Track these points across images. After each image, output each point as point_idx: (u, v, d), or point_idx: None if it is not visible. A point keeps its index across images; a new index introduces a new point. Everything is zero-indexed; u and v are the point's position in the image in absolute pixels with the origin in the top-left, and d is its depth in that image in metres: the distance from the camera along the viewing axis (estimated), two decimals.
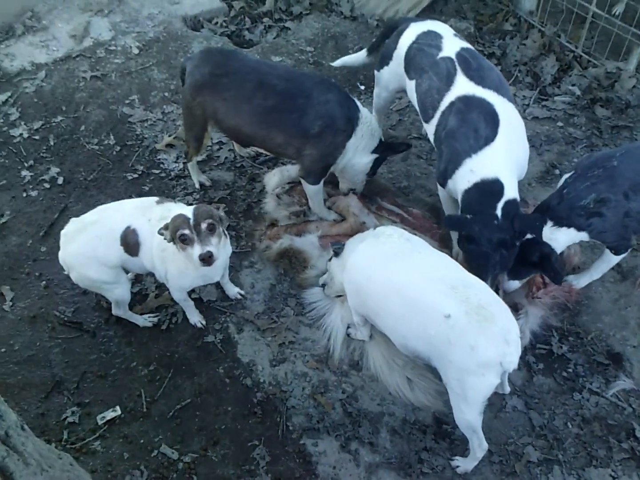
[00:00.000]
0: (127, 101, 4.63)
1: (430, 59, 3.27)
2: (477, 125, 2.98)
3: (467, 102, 3.06)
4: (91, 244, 2.90)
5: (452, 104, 3.10)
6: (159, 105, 4.62)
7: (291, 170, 3.78)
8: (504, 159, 2.96)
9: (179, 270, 2.87)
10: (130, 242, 2.89)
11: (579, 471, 2.80)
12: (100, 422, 2.95)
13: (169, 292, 3.15)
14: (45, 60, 4.92)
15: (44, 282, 3.50)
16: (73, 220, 3.02)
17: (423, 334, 2.55)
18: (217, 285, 3.40)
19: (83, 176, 4.11)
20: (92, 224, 2.95)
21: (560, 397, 3.05)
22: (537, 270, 3.07)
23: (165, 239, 2.68)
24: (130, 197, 3.88)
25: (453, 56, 3.21)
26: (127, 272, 3.12)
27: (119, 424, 2.96)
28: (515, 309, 3.13)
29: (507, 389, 3.00)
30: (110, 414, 2.97)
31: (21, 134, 4.37)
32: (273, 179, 3.81)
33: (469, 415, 2.53)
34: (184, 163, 4.12)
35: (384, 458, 2.84)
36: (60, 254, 2.98)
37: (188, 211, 2.63)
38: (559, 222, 2.96)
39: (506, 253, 2.89)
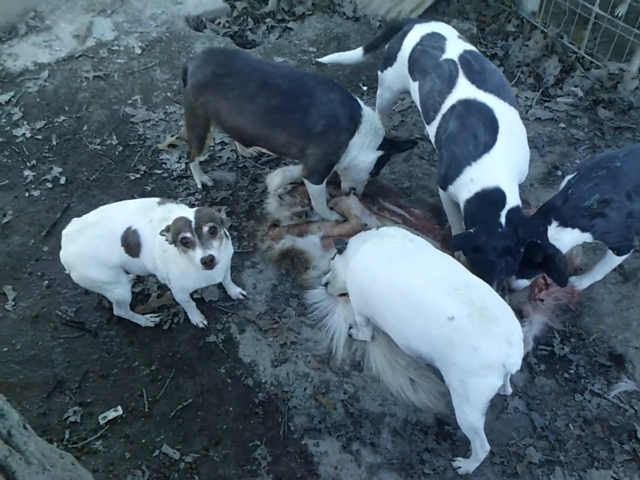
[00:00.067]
0: (129, 101, 4.64)
1: (433, 60, 3.27)
2: (477, 130, 2.97)
3: (467, 106, 3.05)
4: (92, 244, 2.90)
5: (453, 107, 3.10)
6: (162, 105, 4.63)
7: (293, 170, 3.77)
8: (504, 166, 2.96)
9: (180, 271, 2.87)
10: (131, 242, 2.89)
11: (580, 472, 2.80)
12: (102, 422, 2.95)
13: (171, 292, 3.15)
14: (48, 60, 4.92)
15: (46, 282, 3.51)
16: (75, 220, 3.02)
17: (426, 335, 2.55)
18: (219, 285, 3.40)
19: (85, 176, 4.12)
20: (93, 224, 2.95)
21: (562, 398, 3.05)
22: (542, 270, 3.07)
23: (166, 240, 2.67)
24: (132, 197, 3.88)
25: (455, 58, 3.20)
26: (128, 273, 3.12)
27: (120, 424, 2.96)
28: (520, 315, 3.12)
29: (509, 390, 3.00)
30: (112, 414, 2.98)
31: (24, 134, 4.37)
32: (275, 179, 3.81)
33: (471, 416, 2.52)
34: (186, 163, 4.12)
35: (385, 459, 2.84)
36: (62, 253, 2.99)
37: (190, 214, 2.62)
38: (564, 223, 2.95)
39: (511, 259, 2.89)
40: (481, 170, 2.94)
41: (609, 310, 3.38)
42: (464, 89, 3.10)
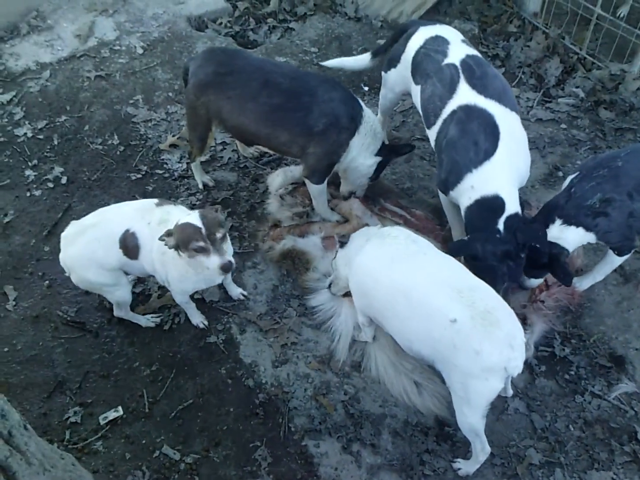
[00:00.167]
0: (131, 101, 4.64)
1: (435, 64, 3.25)
2: (477, 137, 2.97)
3: (468, 112, 3.05)
4: (90, 246, 2.90)
5: (453, 112, 3.09)
6: (163, 105, 4.63)
7: (294, 171, 3.78)
8: (504, 174, 2.96)
9: (179, 273, 2.86)
10: (129, 245, 2.88)
11: (580, 474, 2.80)
12: (102, 423, 2.96)
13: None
14: (49, 59, 4.92)
15: (47, 282, 3.51)
16: (73, 223, 3.02)
17: (428, 337, 2.54)
18: (220, 285, 3.40)
19: (87, 176, 4.12)
20: (91, 226, 2.95)
21: (562, 399, 3.05)
22: (548, 270, 3.07)
23: (166, 245, 2.65)
24: (133, 197, 3.89)
25: (457, 63, 3.18)
26: (128, 275, 3.12)
27: (121, 424, 2.97)
28: (523, 322, 3.11)
29: (510, 392, 2.99)
30: (112, 414, 2.98)
31: (25, 134, 4.38)
32: (276, 179, 3.81)
33: (471, 418, 2.52)
34: (187, 163, 4.13)
35: (385, 460, 2.84)
36: (61, 256, 2.99)
37: (195, 219, 2.59)
38: (568, 221, 2.95)
39: (513, 264, 2.88)
40: (482, 177, 2.95)
41: (610, 312, 3.37)
42: (465, 95, 3.09)
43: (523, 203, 3.08)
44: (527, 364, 3.11)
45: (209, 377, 3.13)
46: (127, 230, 2.87)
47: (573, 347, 3.23)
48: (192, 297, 3.21)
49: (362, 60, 4.05)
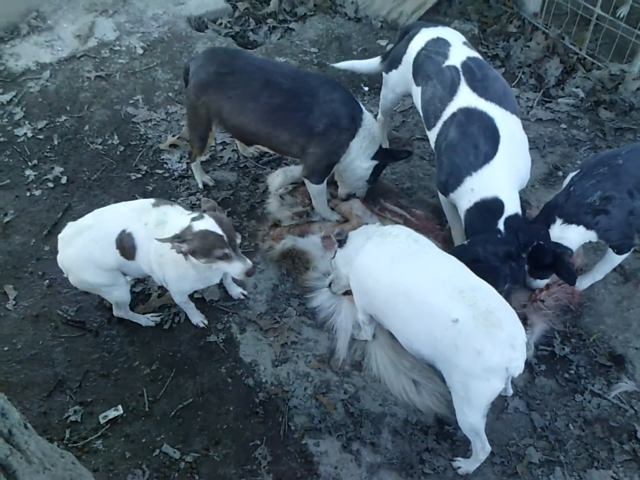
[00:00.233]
0: (131, 101, 4.64)
1: (436, 66, 3.25)
2: (477, 140, 2.97)
3: (468, 115, 3.04)
4: (87, 247, 2.90)
5: (453, 114, 3.09)
6: (163, 105, 4.63)
7: (294, 170, 3.78)
8: (504, 177, 2.96)
9: (177, 274, 2.86)
10: (125, 245, 2.87)
11: (580, 473, 2.80)
12: (102, 421, 2.96)
13: None
14: (49, 60, 4.93)
15: (47, 281, 3.51)
16: (70, 224, 3.02)
17: (429, 337, 2.54)
18: (220, 285, 3.40)
19: (87, 176, 4.12)
20: (88, 227, 2.94)
21: (562, 398, 3.05)
22: (552, 271, 3.07)
23: (179, 251, 2.61)
24: (133, 197, 3.89)
25: (458, 65, 3.18)
26: (126, 275, 3.12)
27: (121, 423, 2.97)
28: (524, 323, 3.11)
29: (510, 392, 2.99)
30: (112, 413, 2.98)
31: (25, 134, 4.38)
32: (276, 179, 3.82)
33: (472, 418, 2.53)
34: (187, 163, 4.13)
35: (385, 458, 2.84)
36: (59, 257, 2.99)
37: (214, 226, 2.58)
38: (568, 220, 2.96)
39: (515, 265, 2.88)
40: (481, 180, 2.95)
41: (610, 311, 3.38)
42: (465, 97, 3.09)
43: (524, 205, 3.08)
44: (527, 363, 3.09)
45: (209, 376, 3.13)
46: (123, 231, 2.87)
47: (573, 346, 3.23)
48: (191, 296, 3.22)
49: (372, 63, 4.05)
